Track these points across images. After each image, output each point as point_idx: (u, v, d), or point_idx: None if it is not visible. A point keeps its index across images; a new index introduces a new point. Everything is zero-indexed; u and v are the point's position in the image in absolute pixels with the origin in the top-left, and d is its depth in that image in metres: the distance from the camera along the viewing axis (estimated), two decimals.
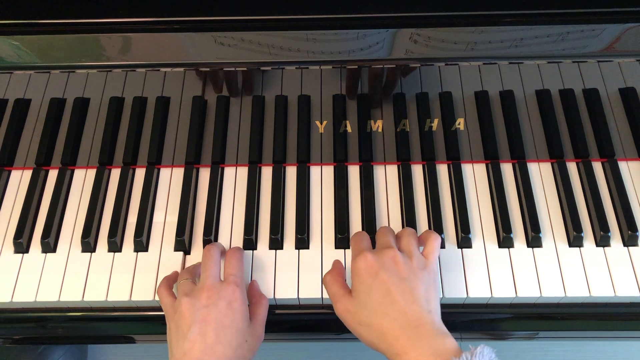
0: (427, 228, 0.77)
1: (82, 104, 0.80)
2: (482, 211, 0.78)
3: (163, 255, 0.76)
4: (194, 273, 0.71)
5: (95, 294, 0.73)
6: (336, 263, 0.72)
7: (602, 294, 0.71)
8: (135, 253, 0.76)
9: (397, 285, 0.62)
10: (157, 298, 0.71)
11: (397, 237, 0.70)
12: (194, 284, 0.68)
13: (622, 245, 0.75)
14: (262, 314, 0.69)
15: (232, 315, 0.64)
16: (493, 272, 0.73)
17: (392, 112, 0.79)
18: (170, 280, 0.71)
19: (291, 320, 0.76)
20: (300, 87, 0.78)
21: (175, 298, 0.68)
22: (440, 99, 0.79)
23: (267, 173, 0.81)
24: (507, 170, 0.81)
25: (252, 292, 0.71)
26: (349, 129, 0.81)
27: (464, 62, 0.73)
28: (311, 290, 0.72)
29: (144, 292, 0.72)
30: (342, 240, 0.75)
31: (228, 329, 0.63)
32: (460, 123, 0.80)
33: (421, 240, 0.71)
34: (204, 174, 0.82)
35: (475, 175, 0.81)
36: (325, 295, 0.72)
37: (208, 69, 0.75)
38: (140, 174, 0.82)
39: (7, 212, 0.80)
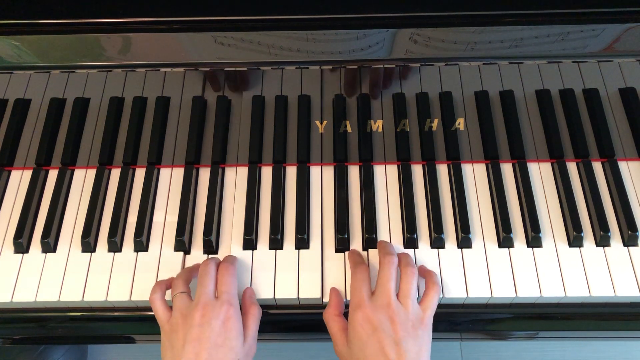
0: (427, 228, 0.77)
1: (82, 104, 0.80)
2: (482, 211, 0.78)
3: (163, 255, 0.76)
4: (187, 282, 0.70)
5: (95, 294, 0.73)
6: (332, 294, 0.71)
7: (602, 294, 0.71)
8: (135, 253, 0.76)
9: (391, 347, 0.62)
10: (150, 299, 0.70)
11: (399, 263, 0.69)
12: (189, 299, 0.67)
13: (622, 245, 0.75)
14: (254, 326, 0.68)
15: (225, 334, 0.64)
16: (493, 272, 0.73)
17: (392, 112, 0.79)
18: (164, 288, 0.70)
19: (291, 320, 0.76)
20: (300, 87, 0.78)
21: (169, 311, 0.68)
22: (440, 99, 0.79)
23: (267, 173, 0.81)
24: (507, 170, 0.81)
25: (243, 301, 0.71)
26: (349, 129, 0.81)
27: (464, 62, 0.73)
28: (311, 290, 0.72)
29: (144, 292, 0.72)
30: (342, 240, 0.75)
31: (221, 348, 0.63)
32: (460, 123, 0.80)
33: (422, 276, 0.71)
34: (204, 174, 0.82)
35: (475, 175, 0.81)
36: (326, 297, 0.72)
37: (208, 69, 0.75)
38: (140, 174, 0.82)
39: (7, 212, 0.80)
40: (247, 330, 0.67)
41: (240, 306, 0.69)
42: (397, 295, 0.66)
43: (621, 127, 0.80)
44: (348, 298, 0.72)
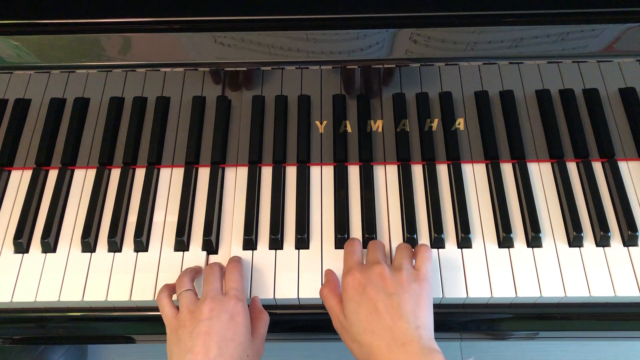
0: (427, 228, 0.77)
1: (82, 104, 0.80)
2: (482, 211, 0.78)
3: (163, 256, 0.76)
4: (192, 280, 0.70)
5: (95, 294, 0.73)
6: (329, 274, 0.71)
7: (602, 294, 0.71)
8: (135, 253, 0.76)
9: (384, 301, 0.61)
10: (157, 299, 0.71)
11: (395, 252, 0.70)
12: (196, 296, 0.68)
13: (622, 245, 0.75)
14: (263, 329, 0.69)
15: (234, 329, 0.64)
16: (493, 272, 0.73)
17: (392, 112, 0.79)
18: (171, 289, 0.70)
19: (291, 320, 0.76)
20: (300, 87, 0.78)
21: (176, 309, 0.67)
22: (440, 99, 0.79)
23: (267, 173, 0.81)
24: (507, 170, 0.81)
25: (252, 308, 0.71)
26: (349, 129, 0.81)
27: (464, 62, 0.73)
28: (311, 290, 0.72)
29: (144, 292, 0.72)
30: (342, 240, 0.75)
31: (230, 342, 0.63)
32: (460, 123, 0.80)
33: (414, 254, 0.71)
34: (204, 174, 0.82)
35: (475, 175, 0.81)
36: None
37: (208, 69, 0.75)
38: (140, 174, 0.82)
39: (7, 212, 0.80)
40: (257, 332, 0.68)
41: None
42: (391, 267, 0.66)
43: (621, 127, 0.80)
44: None
